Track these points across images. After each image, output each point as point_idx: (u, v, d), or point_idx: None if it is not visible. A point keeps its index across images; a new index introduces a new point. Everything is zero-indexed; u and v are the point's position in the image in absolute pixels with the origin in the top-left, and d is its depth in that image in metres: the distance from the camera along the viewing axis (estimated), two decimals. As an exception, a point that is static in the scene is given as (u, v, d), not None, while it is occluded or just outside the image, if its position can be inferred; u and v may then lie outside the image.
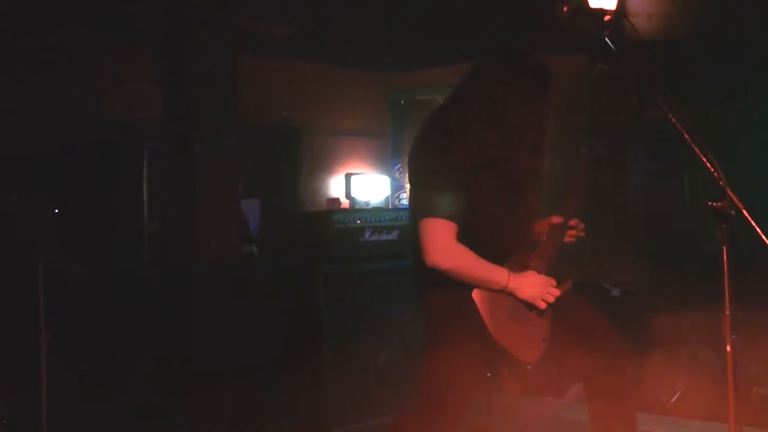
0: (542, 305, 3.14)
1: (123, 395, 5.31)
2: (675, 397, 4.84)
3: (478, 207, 3.11)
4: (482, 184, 3.10)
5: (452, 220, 3.06)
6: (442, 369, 3.09)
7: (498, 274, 3.09)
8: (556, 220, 3.33)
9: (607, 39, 3.01)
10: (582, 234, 3.38)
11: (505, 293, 3.09)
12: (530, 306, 3.15)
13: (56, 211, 5.54)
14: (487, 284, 3.08)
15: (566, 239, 3.36)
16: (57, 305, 4.21)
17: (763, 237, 2.59)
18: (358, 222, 5.56)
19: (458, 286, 3.06)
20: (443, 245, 3.06)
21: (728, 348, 2.54)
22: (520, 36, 6.94)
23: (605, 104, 7.21)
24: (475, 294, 3.05)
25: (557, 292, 3.17)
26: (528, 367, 3.10)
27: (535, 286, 3.14)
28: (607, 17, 3.02)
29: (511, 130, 3.14)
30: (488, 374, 3.24)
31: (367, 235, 5.59)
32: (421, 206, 3.15)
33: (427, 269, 3.09)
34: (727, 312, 2.55)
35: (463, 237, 3.09)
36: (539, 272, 3.18)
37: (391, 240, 5.70)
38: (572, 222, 3.34)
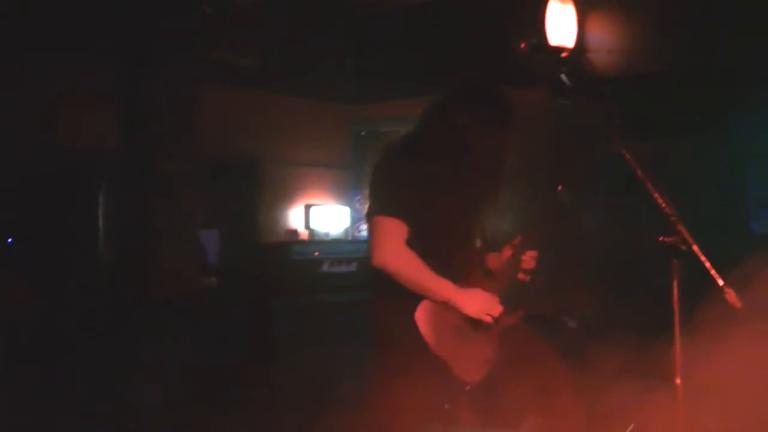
0: (488, 319, 3.17)
1: (78, 426, 5.23)
2: (629, 429, 4.86)
3: (435, 225, 3.16)
4: (441, 204, 3.16)
5: (405, 222, 3.11)
6: (385, 379, 3.14)
7: (443, 286, 3.13)
8: (508, 252, 3.38)
9: (563, 76, 3.07)
10: (531, 266, 3.41)
11: (449, 306, 3.12)
12: (476, 327, 3.18)
13: (9, 241, 5.48)
14: (430, 293, 3.11)
15: (520, 276, 3.40)
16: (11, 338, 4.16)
17: (713, 272, 2.64)
18: (316, 254, 5.57)
19: (402, 295, 3.09)
20: (392, 245, 3.11)
21: (677, 380, 2.58)
22: (481, 69, 7.03)
23: (565, 138, 7.29)
24: (423, 306, 3.07)
25: (501, 308, 3.21)
26: (466, 387, 3.12)
27: (480, 302, 3.18)
28: (564, 54, 3.07)
29: (471, 158, 3.23)
30: (446, 406, 3.26)
31: (325, 266, 5.59)
32: (375, 205, 3.21)
33: (375, 272, 3.12)
34: (677, 345, 2.59)
35: (419, 254, 3.12)
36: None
37: (349, 272, 5.71)
38: (525, 256, 3.38)
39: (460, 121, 3.24)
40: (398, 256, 3.10)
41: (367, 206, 3.31)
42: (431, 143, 3.25)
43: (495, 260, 3.43)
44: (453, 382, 3.10)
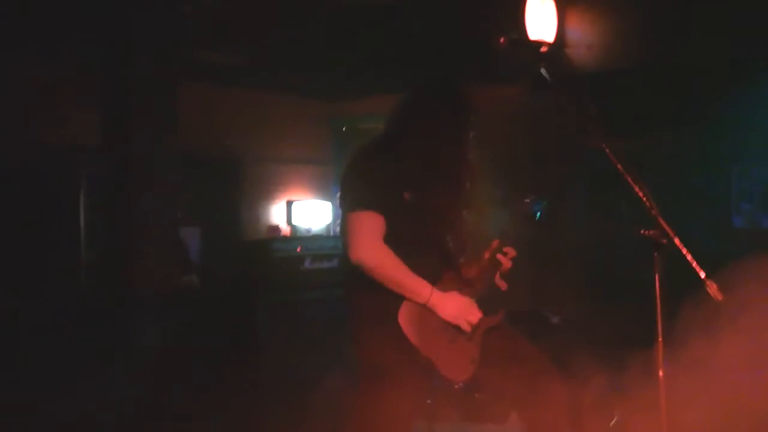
0: (465, 327, 3.15)
1: (56, 427, 5.20)
2: (613, 422, 4.88)
3: (410, 221, 3.14)
4: (414, 200, 3.15)
5: (380, 214, 3.08)
6: (371, 363, 3.13)
7: (421, 286, 3.09)
8: (486, 256, 3.37)
9: (542, 71, 3.06)
10: (508, 267, 3.40)
11: (427, 308, 3.10)
12: (457, 327, 3.16)
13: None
14: (408, 292, 3.07)
15: (496, 280, 3.38)
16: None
17: (695, 265, 2.64)
18: (298, 250, 5.55)
19: (380, 292, 3.07)
20: (369, 240, 3.07)
21: (660, 373, 2.58)
22: (461, 65, 7.02)
23: (546, 133, 7.30)
24: (406, 305, 3.06)
25: (480, 314, 3.19)
26: (456, 386, 3.10)
27: (457, 307, 3.15)
28: (543, 49, 3.07)
29: (437, 158, 3.21)
30: (428, 401, 3.25)
31: (307, 263, 5.57)
32: (349, 203, 3.16)
33: (353, 269, 3.09)
34: (660, 339, 2.59)
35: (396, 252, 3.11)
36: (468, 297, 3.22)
37: (331, 268, 5.69)
38: (501, 256, 3.38)
39: (423, 120, 3.24)
40: (375, 252, 3.06)
41: (341, 209, 3.27)
42: (399, 143, 3.24)
43: (473, 268, 3.40)
44: (441, 381, 3.08)
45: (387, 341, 3.04)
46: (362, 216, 3.09)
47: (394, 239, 3.11)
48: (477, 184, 3.34)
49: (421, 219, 3.17)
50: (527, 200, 3.39)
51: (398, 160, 3.17)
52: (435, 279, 3.16)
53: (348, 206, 3.16)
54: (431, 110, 3.25)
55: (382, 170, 3.14)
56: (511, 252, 3.38)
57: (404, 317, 3.05)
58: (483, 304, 3.26)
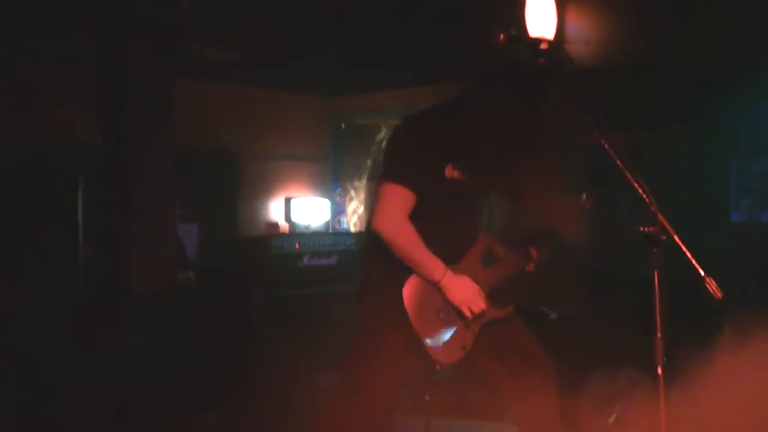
0: (467, 313, 3.15)
1: (55, 424, 5.19)
2: (612, 418, 4.88)
3: (441, 202, 3.15)
4: (451, 182, 3.14)
5: (412, 192, 3.09)
6: (365, 336, 3.17)
7: (435, 265, 3.11)
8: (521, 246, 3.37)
9: (542, 67, 3.05)
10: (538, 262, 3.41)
11: (436, 288, 3.11)
12: (460, 312, 3.16)
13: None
14: (421, 269, 3.09)
15: (527, 267, 3.40)
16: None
17: (694, 262, 2.63)
18: (297, 247, 5.55)
19: (393, 263, 3.08)
20: (393, 213, 3.09)
21: (659, 370, 2.57)
22: (460, 61, 7.00)
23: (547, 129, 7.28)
24: (411, 280, 3.07)
25: (484, 305, 3.18)
26: (437, 367, 3.10)
27: (466, 292, 3.15)
28: (544, 45, 3.04)
29: (491, 138, 3.20)
30: (427, 397, 3.25)
31: (305, 260, 5.57)
32: (386, 169, 3.16)
33: (371, 235, 3.11)
34: (659, 335, 2.58)
35: (419, 228, 3.11)
36: (481, 285, 3.21)
37: (329, 265, 5.69)
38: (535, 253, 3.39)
39: (497, 101, 3.18)
40: (396, 225, 3.08)
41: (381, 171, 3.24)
42: (456, 114, 3.20)
43: (502, 251, 3.39)
44: (424, 360, 3.08)
45: (386, 307, 3.07)
46: (391, 188, 3.10)
47: (422, 212, 3.11)
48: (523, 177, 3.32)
49: (455, 198, 3.16)
50: (584, 196, 3.42)
51: (450, 131, 3.15)
52: (453, 260, 3.16)
53: (383, 172, 3.17)
54: (499, 91, 3.19)
55: (426, 141, 3.13)
56: (545, 253, 3.39)
57: (408, 290, 3.07)
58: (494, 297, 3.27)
